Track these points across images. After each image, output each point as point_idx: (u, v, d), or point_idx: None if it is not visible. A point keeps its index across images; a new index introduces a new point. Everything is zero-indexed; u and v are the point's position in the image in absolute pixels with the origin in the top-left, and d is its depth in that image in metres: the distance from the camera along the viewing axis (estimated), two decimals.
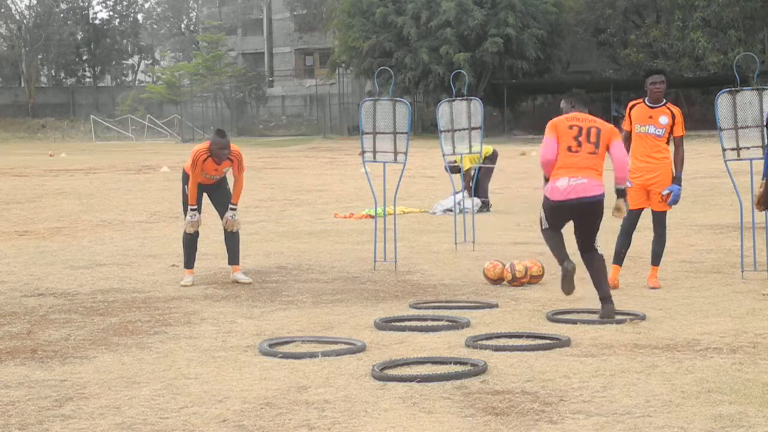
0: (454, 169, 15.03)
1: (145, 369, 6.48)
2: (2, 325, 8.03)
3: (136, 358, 6.79)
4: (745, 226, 10.28)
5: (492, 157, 16.84)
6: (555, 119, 7.98)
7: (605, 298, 7.76)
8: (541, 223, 7.95)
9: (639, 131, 9.11)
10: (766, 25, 52.69)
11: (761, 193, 9.02)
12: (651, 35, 55.80)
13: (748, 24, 52.86)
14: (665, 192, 9.03)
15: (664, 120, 9.04)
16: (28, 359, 6.83)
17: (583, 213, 7.77)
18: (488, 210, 16.55)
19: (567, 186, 7.69)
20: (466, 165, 15.83)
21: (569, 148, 7.76)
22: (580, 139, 7.75)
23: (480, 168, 14.79)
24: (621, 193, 7.97)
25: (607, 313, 7.68)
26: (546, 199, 7.84)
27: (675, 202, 9.11)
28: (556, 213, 7.83)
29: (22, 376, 6.37)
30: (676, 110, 9.12)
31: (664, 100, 9.14)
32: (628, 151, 9.21)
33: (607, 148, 7.82)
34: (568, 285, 7.85)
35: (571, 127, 7.81)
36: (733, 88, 9.65)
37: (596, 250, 7.83)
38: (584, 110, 7.95)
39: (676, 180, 9.07)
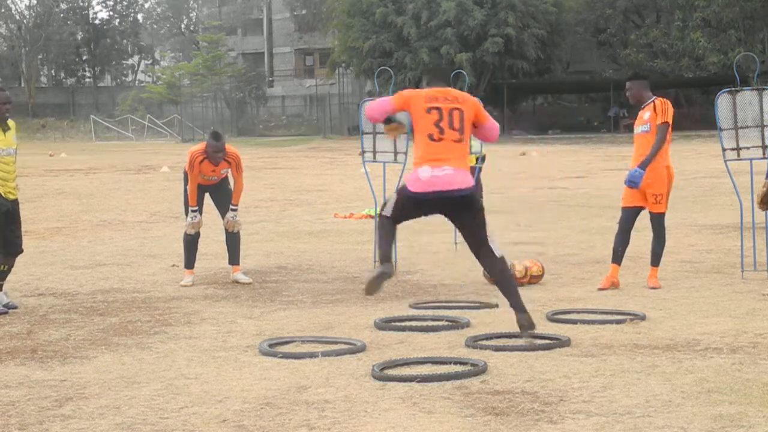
0: None
1: (145, 369, 6.48)
2: (2, 325, 8.03)
3: (136, 358, 6.79)
4: (745, 226, 10.28)
5: (482, 158, 16.83)
6: (411, 92, 7.00)
7: (517, 307, 6.75)
8: (383, 207, 6.93)
9: (635, 133, 9.21)
10: (766, 25, 52.71)
11: (764, 193, 9.01)
12: (651, 35, 55.83)
13: (748, 24, 52.87)
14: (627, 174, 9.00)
15: (647, 115, 9.10)
16: (28, 359, 6.83)
17: (451, 209, 6.89)
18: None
19: (430, 177, 6.76)
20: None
21: (430, 137, 6.82)
22: (441, 125, 6.83)
23: (479, 168, 14.77)
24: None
25: (523, 323, 6.72)
26: (405, 188, 6.86)
27: (630, 182, 8.97)
28: (410, 205, 6.88)
29: (22, 376, 6.37)
30: (659, 101, 9.09)
31: (652, 98, 9.17)
32: None
33: (477, 126, 6.98)
34: (373, 286, 6.73)
35: (429, 110, 6.86)
36: (733, 88, 9.65)
37: (493, 252, 6.82)
38: (443, 85, 7.01)
39: (642, 164, 8.94)
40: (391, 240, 6.94)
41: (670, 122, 9.06)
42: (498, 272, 6.85)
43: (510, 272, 6.98)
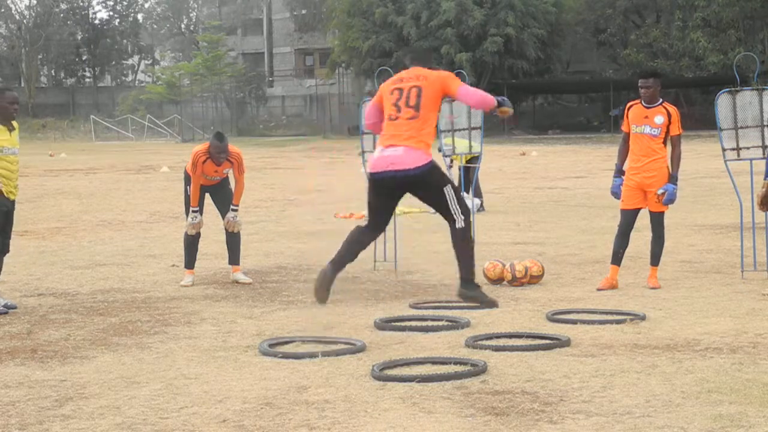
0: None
1: (145, 369, 6.48)
2: (2, 325, 8.03)
3: (136, 358, 6.79)
4: (745, 226, 10.28)
5: (477, 158, 16.81)
6: (385, 83, 7.16)
7: (463, 279, 6.86)
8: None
9: (635, 131, 9.11)
10: (766, 25, 52.71)
11: (764, 194, 9.01)
12: (651, 35, 55.80)
13: (748, 24, 52.88)
14: (660, 191, 9.01)
15: (660, 119, 9.03)
16: (28, 359, 6.83)
17: (406, 189, 6.88)
18: (483, 209, 16.52)
19: (378, 157, 6.84)
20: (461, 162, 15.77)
21: (390, 117, 6.89)
22: (399, 103, 6.85)
23: (475, 168, 14.75)
24: (500, 102, 6.97)
25: (464, 294, 6.86)
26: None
27: (670, 201, 9.09)
28: (373, 189, 6.98)
29: (22, 376, 6.37)
30: (672, 109, 9.10)
31: (661, 100, 9.14)
32: (627, 152, 9.21)
33: (455, 99, 6.98)
34: (320, 292, 6.96)
35: (392, 91, 6.93)
36: (733, 88, 9.65)
37: (454, 222, 6.86)
38: (421, 65, 7.04)
39: (672, 179, 9.06)
40: (353, 247, 7.08)
41: None
42: (455, 243, 6.91)
43: (467, 243, 6.93)
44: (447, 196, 6.86)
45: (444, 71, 7.04)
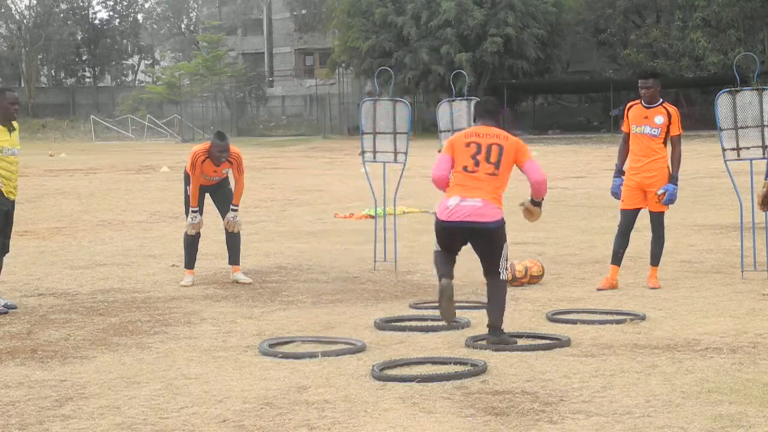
0: None
1: (145, 369, 6.48)
2: (2, 325, 8.04)
3: (136, 358, 6.80)
4: (745, 226, 10.28)
5: None
6: (453, 136, 7.32)
7: (493, 327, 6.97)
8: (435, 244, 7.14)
9: (635, 131, 9.12)
10: (766, 25, 52.71)
11: (764, 194, 9.02)
12: (651, 35, 55.80)
13: (748, 24, 52.88)
14: (660, 191, 9.02)
15: (660, 120, 9.04)
16: (28, 359, 6.83)
17: (473, 238, 7.02)
18: None
19: (456, 206, 6.92)
20: None
21: (465, 168, 7.01)
22: (478, 157, 7.02)
23: None
24: (537, 203, 7.44)
25: (496, 341, 6.91)
26: (436, 216, 7.08)
27: (670, 201, 9.10)
28: (444, 234, 7.04)
29: (22, 376, 6.38)
30: (672, 109, 9.11)
31: (661, 100, 9.14)
32: (627, 152, 9.23)
33: (520, 168, 7.16)
34: (445, 306, 6.82)
35: (468, 144, 7.07)
36: (733, 88, 9.65)
37: (499, 275, 7.02)
38: (489, 122, 7.23)
39: (672, 179, 9.07)
40: (448, 262, 7.10)
41: None
42: (494, 292, 7.06)
43: (504, 296, 7.11)
44: (503, 252, 7.05)
45: (520, 140, 7.28)
